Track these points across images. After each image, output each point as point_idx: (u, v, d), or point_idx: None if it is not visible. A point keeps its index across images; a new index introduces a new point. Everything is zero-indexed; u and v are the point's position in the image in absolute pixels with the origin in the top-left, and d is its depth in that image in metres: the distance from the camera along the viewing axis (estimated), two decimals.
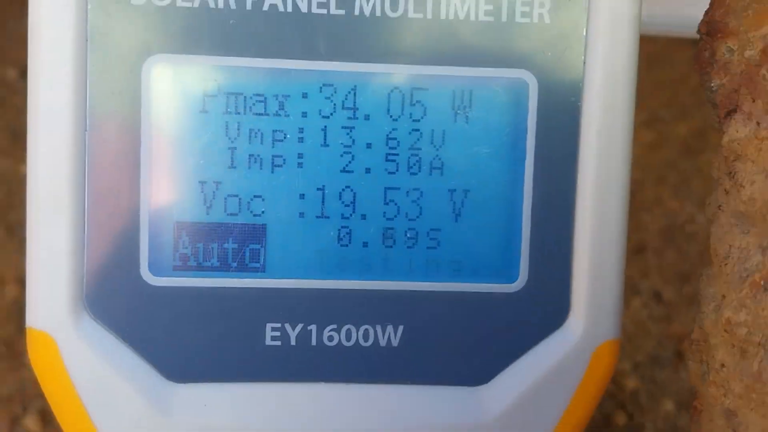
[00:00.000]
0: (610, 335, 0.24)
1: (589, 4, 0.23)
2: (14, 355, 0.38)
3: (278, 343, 0.23)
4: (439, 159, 0.23)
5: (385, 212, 0.23)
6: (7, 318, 0.39)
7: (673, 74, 0.48)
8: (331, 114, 0.23)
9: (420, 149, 0.23)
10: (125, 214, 0.23)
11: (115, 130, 0.22)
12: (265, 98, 0.23)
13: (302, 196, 0.23)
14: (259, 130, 0.23)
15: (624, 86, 0.23)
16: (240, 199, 0.23)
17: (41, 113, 0.22)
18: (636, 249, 0.43)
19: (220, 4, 0.22)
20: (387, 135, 0.23)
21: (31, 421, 0.36)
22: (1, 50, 0.47)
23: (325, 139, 0.23)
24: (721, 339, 0.22)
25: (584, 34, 0.23)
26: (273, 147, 0.23)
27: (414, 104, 0.23)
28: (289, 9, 0.22)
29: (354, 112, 0.23)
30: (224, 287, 0.23)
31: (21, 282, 0.40)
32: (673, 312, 0.41)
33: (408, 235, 0.23)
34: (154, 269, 0.23)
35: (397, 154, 0.23)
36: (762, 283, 0.21)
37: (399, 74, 0.23)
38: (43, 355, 0.23)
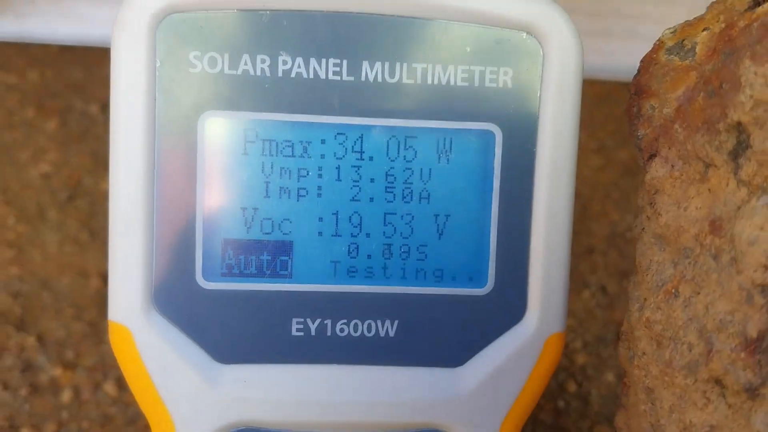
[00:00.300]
0: (557, 329, 0.24)
1: (542, 73, 0.23)
2: (96, 333, 0.38)
3: (301, 333, 0.24)
4: (427, 191, 0.24)
5: (384, 232, 0.24)
6: (92, 304, 0.39)
7: (617, 110, 0.48)
8: (343, 156, 0.23)
9: (412, 183, 0.23)
10: (184, 233, 0.23)
11: (177, 166, 0.23)
12: (293, 144, 0.23)
13: (321, 219, 0.23)
14: (287, 168, 0.23)
15: (569, 134, 0.23)
16: (273, 221, 0.23)
17: (120, 155, 0.22)
18: (586, 251, 0.42)
19: (258, 72, 0.22)
20: (386, 172, 0.23)
21: (109, 387, 0.36)
22: (87, 90, 0.47)
23: (338, 175, 0.23)
24: (642, 332, 0.22)
25: (538, 95, 0.23)
26: (298, 181, 0.23)
27: (407, 149, 0.23)
28: (311, 76, 0.23)
29: (361, 154, 0.23)
30: (260, 290, 0.23)
31: (102, 276, 0.39)
32: (615, 302, 0.41)
33: (402, 250, 0.24)
34: (207, 275, 0.23)
35: (394, 187, 0.23)
36: (673, 290, 0.21)
37: (395, 126, 0.23)
38: (121, 342, 0.23)
